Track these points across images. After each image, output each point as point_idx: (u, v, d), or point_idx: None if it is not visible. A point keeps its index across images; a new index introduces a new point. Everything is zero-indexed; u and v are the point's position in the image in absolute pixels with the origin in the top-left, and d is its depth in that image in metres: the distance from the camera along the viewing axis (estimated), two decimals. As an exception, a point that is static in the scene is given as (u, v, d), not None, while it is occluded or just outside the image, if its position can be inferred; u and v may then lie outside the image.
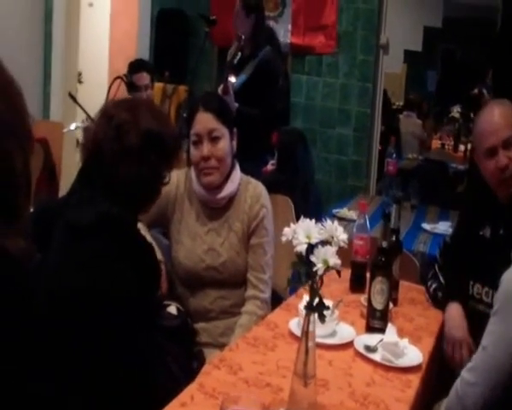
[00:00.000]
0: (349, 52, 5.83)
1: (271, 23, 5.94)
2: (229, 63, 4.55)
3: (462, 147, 8.22)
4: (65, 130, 5.35)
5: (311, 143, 5.21)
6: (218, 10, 5.94)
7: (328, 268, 1.65)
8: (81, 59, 7.16)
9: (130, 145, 2.03)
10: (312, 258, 1.65)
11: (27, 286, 1.33)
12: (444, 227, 4.15)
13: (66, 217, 2.03)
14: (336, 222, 1.75)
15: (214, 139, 2.69)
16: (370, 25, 5.78)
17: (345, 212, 4.31)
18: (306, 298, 1.74)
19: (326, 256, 1.64)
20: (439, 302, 2.68)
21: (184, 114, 4.86)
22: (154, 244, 2.70)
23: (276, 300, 2.84)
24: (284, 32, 5.96)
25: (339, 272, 1.71)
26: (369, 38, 5.79)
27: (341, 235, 1.71)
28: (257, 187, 2.82)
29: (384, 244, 2.43)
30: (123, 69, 7.07)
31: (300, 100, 5.94)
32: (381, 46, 5.84)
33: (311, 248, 1.68)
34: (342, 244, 1.71)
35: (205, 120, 2.70)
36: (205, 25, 4.68)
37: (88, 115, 4.63)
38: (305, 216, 4.00)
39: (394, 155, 4.94)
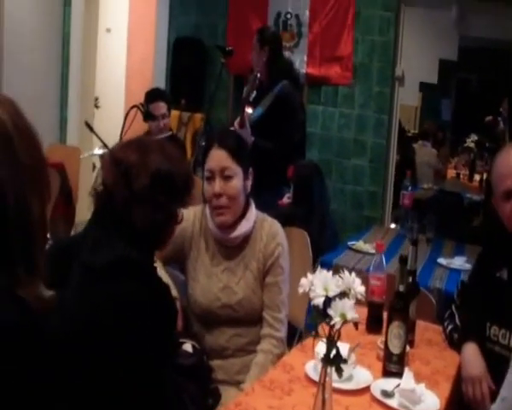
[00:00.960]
0: (365, 83, 5.84)
1: (287, 53, 5.97)
2: (245, 100, 4.57)
3: (477, 177, 8.21)
4: (82, 156, 5.39)
5: (326, 174, 5.23)
6: (234, 40, 6.00)
7: (345, 322, 1.65)
8: (98, 84, 7.22)
9: (141, 189, 2.00)
10: (330, 311, 1.65)
11: (44, 335, 1.33)
12: (459, 262, 4.13)
13: (82, 258, 2.03)
14: (354, 274, 1.74)
15: (227, 177, 2.67)
16: (386, 57, 5.79)
17: (360, 245, 4.31)
18: (323, 342, 1.74)
19: (344, 310, 1.64)
20: (456, 344, 2.66)
21: (201, 143, 4.89)
22: (169, 281, 2.72)
23: (291, 330, 2.84)
24: (300, 63, 5.99)
25: (356, 325, 1.70)
26: (385, 70, 5.80)
27: (359, 287, 1.71)
28: (273, 225, 2.81)
29: (401, 288, 2.41)
30: (139, 93, 7.14)
31: (316, 130, 5.96)
32: (397, 78, 5.86)
33: (328, 300, 1.67)
34: (360, 297, 1.71)
35: (218, 157, 2.69)
36: (221, 55, 4.70)
37: (104, 144, 4.66)
38: (321, 249, 4.02)
39: (410, 188, 4.94)
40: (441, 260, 4.17)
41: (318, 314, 1.68)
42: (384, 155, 5.86)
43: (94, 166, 4.99)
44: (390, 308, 2.40)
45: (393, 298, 2.41)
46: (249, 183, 2.78)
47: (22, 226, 1.28)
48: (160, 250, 2.28)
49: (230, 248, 2.77)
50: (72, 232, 6.14)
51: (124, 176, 2.01)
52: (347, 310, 1.64)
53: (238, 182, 2.69)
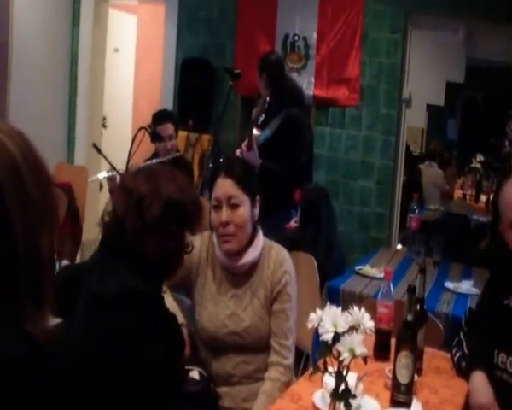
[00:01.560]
0: (372, 105, 5.85)
1: (295, 75, 5.99)
2: (254, 123, 4.59)
3: (483, 197, 8.20)
4: (89, 179, 5.40)
5: (333, 195, 5.24)
6: (242, 61, 6.03)
7: (354, 357, 1.65)
8: (106, 103, 7.26)
9: (153, 219, 2.01)
10: (339, 347, 1.64)
11: (51, 368, 1.32)
12: (467, 286, 4.13)
13: (90, 287, 2.03)
14: (363, 310, 1.74)
15: (233, 206, 2.67)
16: (393, 79, 5.80)
17: (368, 269, 4.31)
18: (331, 373, 1.73)
19: (353, 345, 1.64)
20: (464, 372, 2.64)
21: (209, 164, 4.91)
22: (176, 307, 2.72)
23: (298, 353, 2.83)
24: (308, 84, 6.00)
25: (365, 360, 1.70)
26: (392, 92, 5.81)
27: (368, 323, 1.71)
28: (280, 252, 2.80)
29: (409, 317, 2.40)
30: (146, 113, 7.17)
31: (323, 152, 5.96)
32: (404, 100, 5.86)
33: (337, 335, 1.67)
34: (369, 333, 1.70)
35: (225, 186, 2.68)
36: (229, 78, 4.73)
37: (112, 166, 4.67)
38: (328, 273, 4.01)
39: (417, 211, 4.95)
40: (448, 284, 4.17)
41: (327, 350, 1.67)
42: (391, 177, 5.86)
43: (101, 186, 4.99)
44: (398, 338, 2.39)
45: (401, 327, 2.41)
46: (256, 211, 2.78)
47: (31, 262, 1.28)
48: (168, 280, 2.28)
49: (238, 276, 2.77)
50: (79, 252, 6.16)
51: (136, 206, 2.02)
52: (356, 345, 1.64)
53: (245, 210, 2.69)
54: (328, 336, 1.68)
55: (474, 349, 2.68)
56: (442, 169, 8.54)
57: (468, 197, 8.42)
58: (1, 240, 1.24)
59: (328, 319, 1.70)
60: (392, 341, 2.63)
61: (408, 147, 7.22)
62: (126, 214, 2.02)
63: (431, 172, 8.22)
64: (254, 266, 2.75)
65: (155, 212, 2.01)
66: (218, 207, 2.69)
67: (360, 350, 1.64)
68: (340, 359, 1.64)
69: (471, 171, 8.86)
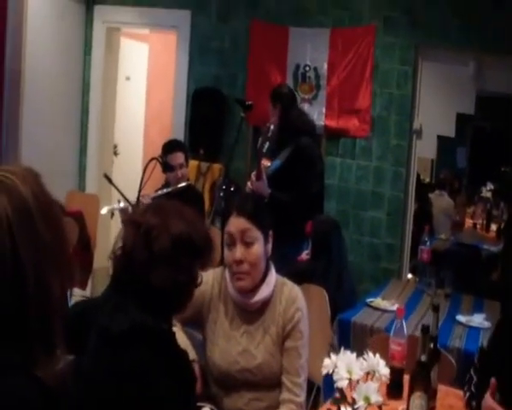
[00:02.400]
0: (382, 136, 5.86)
1: (306, 105, 6.02)
2: (259, 151, 4.62)
3: (493, 226, 8.19)
4: (102, 212, 5.42)
5: (344, 225, 5.23)
6: (253, 91, 6.05)
7: (369, 405, 1.64)
8: (117, 131, 7.30)
9: (161, 251, 2.01)
10: (354, 394, 1.64)
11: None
12: (479, 320, 4.11)
13: (100, 324, 2.04)
14: (378, 356, 1.73)
15: (247, 243, 2.67)
16: (404, 110, 5.81)
17: (378, 302, 4.29)
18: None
19: (368, 393, 1.63)
20: None
21: (220, 193, 4.92)
22: (188, 343, 2.72)
23: (309, 384, 2.81)
24: (318, 115, 6.02)
25: (380, 408, 1.69)
26: (403, 123, 5.82)
27: (383, 369, 1.70)
28: (292, 289, 2.79)
29: (423, 358, 2.41)
30: (157, 141, 7.22)
31: (334, 182, 5.97)
32: (415, 131, 5.87)
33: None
34: (384, 380, 1.70)
35: (238, 224, 2.68)
36: (241, 109, 4.75)
37: (123, 196, 4.69)
38: (339, 305, 4.00)
39: (428, 243, 4.93)
40: (460, 318, 4.13)
41: (342, 397, 1.67)
42: (401, 208, 5.85)
43: (112, 214, 5.01)
44: (412, 378, 2.39)
45: (415, 368, 2.40)
46: (270, 246, 2.77)
47: (41, 304, 1.28)
48: (178, 314, 2.28)
49: (250, 312, 2.76)
50: (90, 280, 6.17)
51: (143, 237, 2.03)
52: (371, 393, 1.63)
53: (259, 247, 2.69)
54: (342, 384, 1.66)
55: (484, 390, 2.66)
56: (452, 198, 8.52)
57: (478, 226, 8.40)
58: (11, 283, 1.24)
59: (343, 366, 1.69)
60: (405, 377, 2.62)
61: (418, 176, 7.21)
62: (135, 246, 2.03)
63: (441, 201, 8.21)
64: (267, 302, 2.74)
65: (164, 243, 2.02)
66: (231, 245, 2.68)
67: (375, 398, 1.63)
68: (355, 407, 1.63)
69: (481, 200, 8.85)
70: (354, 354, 1.73)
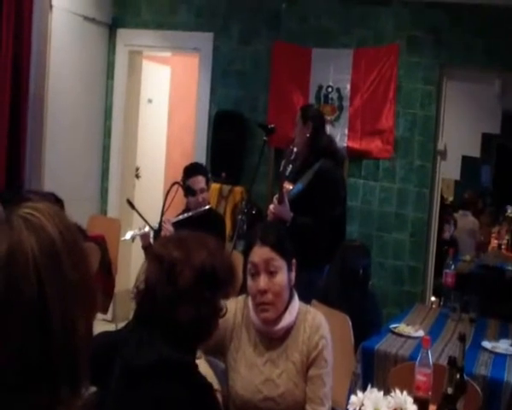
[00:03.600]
0: (406, 157, 5.81)
1: (328, 127, 5.98)
2: (281, 174, 4.57)
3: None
4: (122, 238, 5.42)
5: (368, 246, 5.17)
6: (275, 113, 6.04)
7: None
8: (139, 154, 7.32)
9: (185, 286, 2.00)
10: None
11: None
12: (504, 346, 4.02)
13: (125, 358, 2.03)
14: (405, 393, 1.68)
15: (271, 272, 2.66)
16: (428, 131, 5.77)
17: (403, 328, 4.20)
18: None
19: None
20: None
21: (240, 217, 4.89)
22: (211, 373, 2.70)
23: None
24: (341, 136, 5.98)
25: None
26: (427, 144, 5.78)
27: (411, 407, 1.65)
28: (316, 317, 2.77)
29: (449, 391, 2.37)
30: (179, 162, 7.23)
31: (357, 204, 5.92)
32: (439, 152, 5.82)
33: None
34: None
35: (262, 253, 2.69)
36: (264, 133, 4.73)
37: (145, 221, 4.69)
38: (363, 333, 3.94)
39: (452, 267, 4.85)
40: (486, 344, 4.04)
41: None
42: (425, 230, 5.79)
43: (133, 240, 5.02)
44: None
45: (442, 400, 2.37)
46: (293, 274, 2.77)
47: (67, 346, 1.25)
48: (203, 345, 2.26)
49: (273, 340, 2.75)
50: (112, 304, 6.17)
51: (167, 273, 2.02)
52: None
53: (283, 276, 2.68)
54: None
55: None
56: (476, 218, 8.44)
57: (503, 247, 8.31)
58: (37, 324, 1.21)
59: (370, 404, 1.65)
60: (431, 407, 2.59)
61: (442, 196, 7.15)
62: (158, 282, 2.02)
63: (465, 221, 8.15)
64: (290, 330, 2.73)
65: (188, 278, 2.01)
66: (255, 275, 2.69)
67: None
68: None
69: (506, 219, 8.76)
70: (381, 393, 1.68)
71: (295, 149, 4.58)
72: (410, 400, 1.68)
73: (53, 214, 1.28)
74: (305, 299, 3.06)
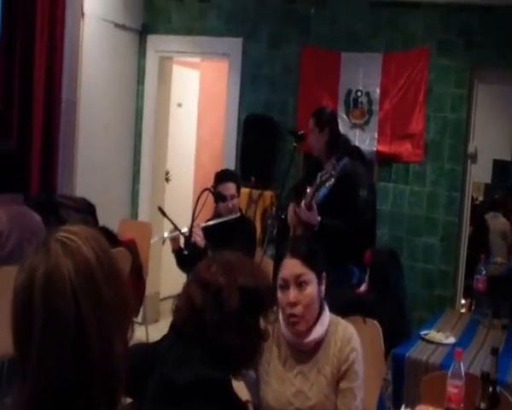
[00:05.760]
0: (436, 161, 5.79)
1: (358, 131, 5.99)
2: (319, 186, 4.52)
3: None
4: (152, 241, 5.48)
5: (398, 251, 5.17)
6: (304, 118, 5.94)
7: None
8: (169, 157, 7.40)
9: (232, 311, 2.02)
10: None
11: None
12: None
13: (164, 373, 2.04)
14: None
15: (301, 284, 2.69)
16: (458, 134, 5.74)
17: (434, 334, 4.19)
18: None
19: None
20: None
21: (270, 221, 4.91)
22: (242, 384, 2.71)
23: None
24: (370, 140, 5.98)
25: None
26: (457, 147, 5.74)
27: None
28: (347, 329, 2.80)
29: (483, 406, 2.37)
30: (208, 166, 7.29)
31: (387, 207, 5.92)
32: (470, 155, 5.79)
33: None
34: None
35: (292, 266, 2.73)
36: (293, 140, 4.75)
37: (176, 227, 4.73)
38: (396, 339, 3.93)
39: (484, 272, 4.82)
40: None
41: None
42: (456, 233, 5.77)
43: (164, 242, 5.07)
44: None
45: None
46: (323, 287, 2.79)
47: (105, 366, 1.28)
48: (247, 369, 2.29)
49: (304, 352, 2.78)
50: (142, 308, 6.22)
51: (213, 298, 2.04)
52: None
53: (313, 289, 2.71)
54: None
55: None
56: (507, 218, 8.37)
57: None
58: (76, 348, 1.25)
59: None
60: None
61: (472, 197, 7.11)
62: (205, 307, 2.03)
63: (496, 222, 8.09)
64: (320, 342, 2.76)
65: (234, 304, 2.02)
66: (285, 287, 2.71)
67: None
68: None
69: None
70: None
71: (337, 163, 4.50)
72: None
73: (89, 238, 1.34)
74: (333, 299, 3.07)
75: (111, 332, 1.30)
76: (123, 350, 1.34)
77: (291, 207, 4.75)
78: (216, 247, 4.44)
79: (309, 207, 4.47)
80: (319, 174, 4.55)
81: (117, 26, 6.61)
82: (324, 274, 2.80)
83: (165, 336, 2.24)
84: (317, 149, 4.82)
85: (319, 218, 4.46)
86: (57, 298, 1.25)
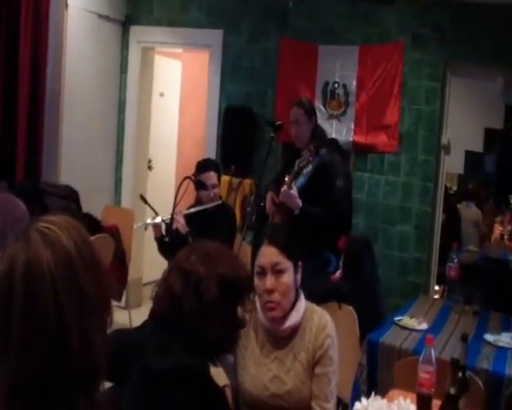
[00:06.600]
0: (410, 152, 5.93)
1: (334, 122, 6.13)
2: (297, 173, 4.64)
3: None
4: (135, 226, 5.59)
5: (372, 240, 5.31)
6: (282, 108, 6.03)
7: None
8: (151, 146, 7.47)
9: (210, 301, 2.06)
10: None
11: None
12: (506, 339, 4.05)
13: (144, 361, 2.08)
14: (408, 401, 1.80)
15: (278, 272, 2.74)
16: (432, 126, 5.88)
17: (407, 321, 4.26)
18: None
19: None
20: None
21: (249, 209, 5.03)
22: (220, 369, 2.80)
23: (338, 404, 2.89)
24: (347, 131, 6.12)
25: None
26: (431, 139, 5.89)
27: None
28: (322, 317, 2.84)
29: (452, 391, 2.42)
30: (190, 154, 7.38)
31: (363, 197, 6.06)
32: (443, 147, 5.94)
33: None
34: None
35: (269, 254, 2.76)
36: (271, 130, 4.87)
37: (157, 214, 4.83)
38: (374, 324, 4.03)
39: (456, 260, 4.94)
40: (488, 337, 4.06)
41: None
42: (429, 222, 5.93)
43: (146, 228, 5.19)
44: None
45: (444, 401, 2.44)
46: (299, 276, 2.84)
47: (85, 356, 1.29)
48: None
49: (280, 339, 2.82)
50: (125, 293, 6.34)
51: (193, 288, 2.08)
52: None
53: (289, 277, 2.77)
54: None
55: None
56: (479, 208, 8.51)
57: (506, 237, 8.40)
58: (56, 337, 1.26)
59: None
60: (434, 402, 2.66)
61: (446, 187, 7.24)
62: (185, 296, 2.08)
63: (468, 212, 8.22)
64: (296, 329, 2.81)
65: (213, 294, 2.07)
66: (262, 275, 2.76)
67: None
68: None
69: (509, 209, 8.82)
70: (384, 401, 1.80)
71: (313, 149, 4.59)
72: (413, 408, 1.81)
73: (69, 228, 1.35)
74: (313, 291, 3.16)
75: (90, 322, 1.30)
76: (102, 340, 1.33)
77: (269, 196, 4.83)
78: (197, 234, 4.55)
79: (289, 187, 4.54)
80: (297, 161, 4.66)
81: (101, 17, 6.69)
82: (300, 263, 2.85)
83: (145, 323, 2.28)
84: (301, 139, 4.87)
85: (300, 203, 4.54)
86: (37, 287, 1.25)
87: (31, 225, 1.33)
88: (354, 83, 6.14)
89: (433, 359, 2.81)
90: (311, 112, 4.91)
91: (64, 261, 1.28)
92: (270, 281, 2.74)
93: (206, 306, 2.07)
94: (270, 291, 2.74)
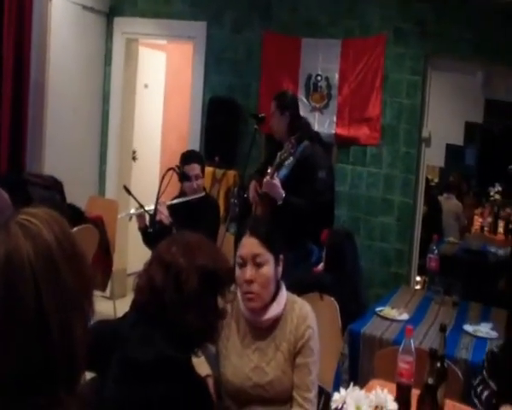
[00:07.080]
0: (392, 144, 6.00)
1: (317, 114, 6.18)
2: (278, 166, 4.69)
3: (500, 229, 8.28)
4: (119, 216, 5.61)
5: (355, 231, 5.38)
6: (266, 100, 6.05)
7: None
8: (135, 137, 7.49)
9: (191, 292, 2.10)
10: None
11: None
12: (485, 329, 4.13)
13: (126, 352, 2.11)
14: (386, 391, 1.84)
15: (258, 264, 2.77)
16: (413, 119, 5.94)
17: (388, 311, 4.34)
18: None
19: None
20: (494, 408, 2.71)
21: (233, 200, 5.07)
22: (202, 359, 2.83)
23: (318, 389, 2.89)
24: (330, 123, 6.17)
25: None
26: (412, 132, 5.95)
27: (391, 405, 1.82)
28: (303, 307, 2.88)
29: (430, 381, 2.46)
30: (174, 145, 7.40)
31: (345, 189, 6.12)
32: (424, 140, 6.00)
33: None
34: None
35: (250, 245, 2.79)
36: (255, 122, 4.92)
37: (141, 205, 4.85)
38: (356, 315, 4.08)
39: (436, 251, 5.01)
40: (467, 328, 4.14)
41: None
42: (411, 214, 6.00)
43: (130, 218, 5.21)
44: (419, 400, 2.47)
45: (422, 391, 2.48)
46: (280, 269, 2.87)
47: (65, 349, 1.29)
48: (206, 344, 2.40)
49: (261, 329, 2.86)
50: (110, 283, 6.37)
51: (173, 279, 2.12)
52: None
53: (269, 269, 2.80)
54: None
55: (504, 386, 2.75)
56: (460, 201, 8.60)
57: (486, 229, 8.49)
58: (36, 329, 1.26)
59: (352, 402, 1.81)
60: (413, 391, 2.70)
61: (427, 179, 7.31)
62: (165, 288, 2.11)
63: (449, 204, 8.30)
64: (278, 320, 2.84)
65: (193, 285, 2.11)
66: (242, 265, 2.79)
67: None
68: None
69: (489, 201, 8.92)
70: (363, 391, 1.83)
71: (293, 141, 4.63)
72: (390, 398, 1.85)
73: (50, 221, 1.35)
74: (296, 282, 3.20)
75: (71, 314, 1.30)
76: (83, 331, 1.33)
77: (252, 185, 4.90)
78: (181, 225, 4.57)
79: (271, 178, 4.59)
80: (279, 153, 4.71)
81: (85, 8, 6.70)
82: (282, 256, 2.88)
83: (127, 314, 2.31)
84: (278, 132, 4.98)
85: (283, 193, 4.59)
86: (17, 279, 1.25)
87: (11, 217, 1.32)
88: (336, 76, 6.19)
89: (413, 349, 2.83)
90: (283, 106, 4.95)
91: (44, 254, 1.28)
92: (250, 272, 2.77)
93: (186, 297, 2.10)
94: (250, 282, 2.77)
